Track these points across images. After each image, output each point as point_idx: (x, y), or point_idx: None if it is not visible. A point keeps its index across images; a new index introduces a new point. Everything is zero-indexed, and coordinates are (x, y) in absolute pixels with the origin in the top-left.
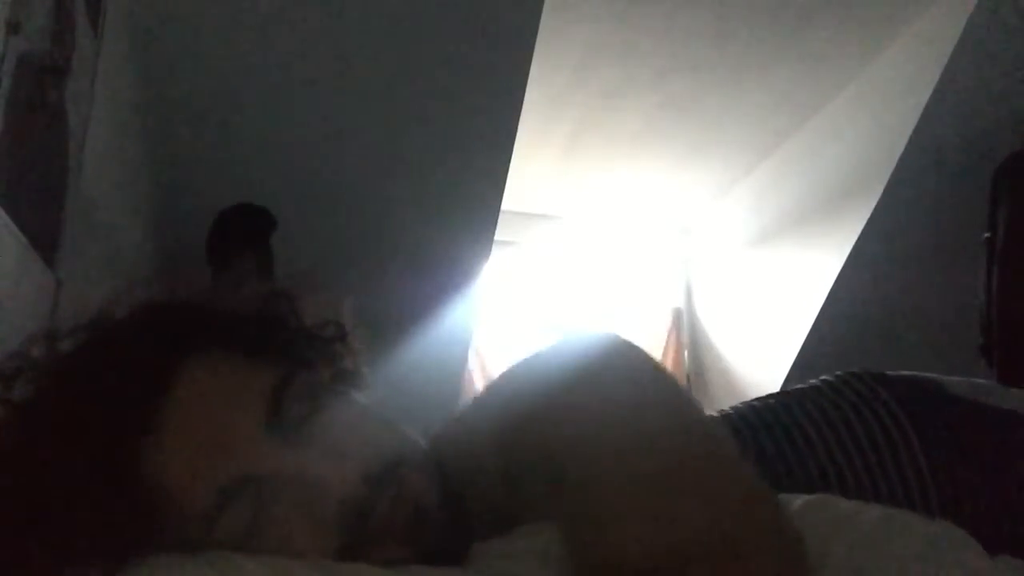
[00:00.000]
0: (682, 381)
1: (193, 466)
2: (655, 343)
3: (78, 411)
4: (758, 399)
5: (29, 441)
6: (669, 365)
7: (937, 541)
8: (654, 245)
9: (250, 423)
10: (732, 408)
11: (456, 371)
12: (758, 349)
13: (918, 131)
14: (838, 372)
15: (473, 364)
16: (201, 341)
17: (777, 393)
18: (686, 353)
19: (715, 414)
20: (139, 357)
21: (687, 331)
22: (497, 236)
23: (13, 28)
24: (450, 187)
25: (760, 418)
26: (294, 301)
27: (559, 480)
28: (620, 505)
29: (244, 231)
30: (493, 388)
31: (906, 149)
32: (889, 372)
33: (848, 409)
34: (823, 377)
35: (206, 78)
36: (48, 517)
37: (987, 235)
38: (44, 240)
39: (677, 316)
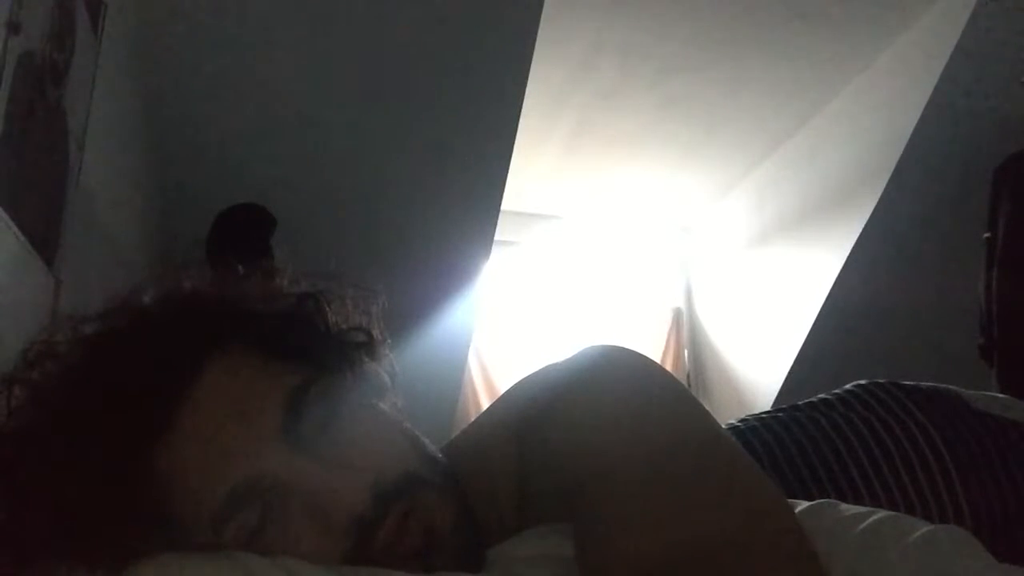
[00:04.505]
0: (682, 381)
1: (205, 468)
2: (655, 343)
3: (96, 404)
4: (782, 409)
5: (41, 434)
6: (669, 365)
7: (940, 542)
8: (654, 245)
9: (266, 427)
10: (757, 418)
11: (456, 371)
12: (758, 349)
13: (918, 131)
14: (862, 382)
15: (473, 364)
16: (226, 338)
17: (803, 404)
18: (686, 353)
19: (739, 423)
20: (163, 351)
21: (687, 331)
22: (497, 236)
23: (13, 28)
24: (450, 187)
25: (788, 432)
26: (324, 303)
27: (570, 485)
28: (630, 510)
29: (244, 231)
30: (505, 398)
31: (906, 149)
32: (916, 384)
33: (879, 425)
34: (848, 387)
35: (206, 78)
36: (56, 513)
37: (987, 235)
38: (44, 240)
39: (677, 316)
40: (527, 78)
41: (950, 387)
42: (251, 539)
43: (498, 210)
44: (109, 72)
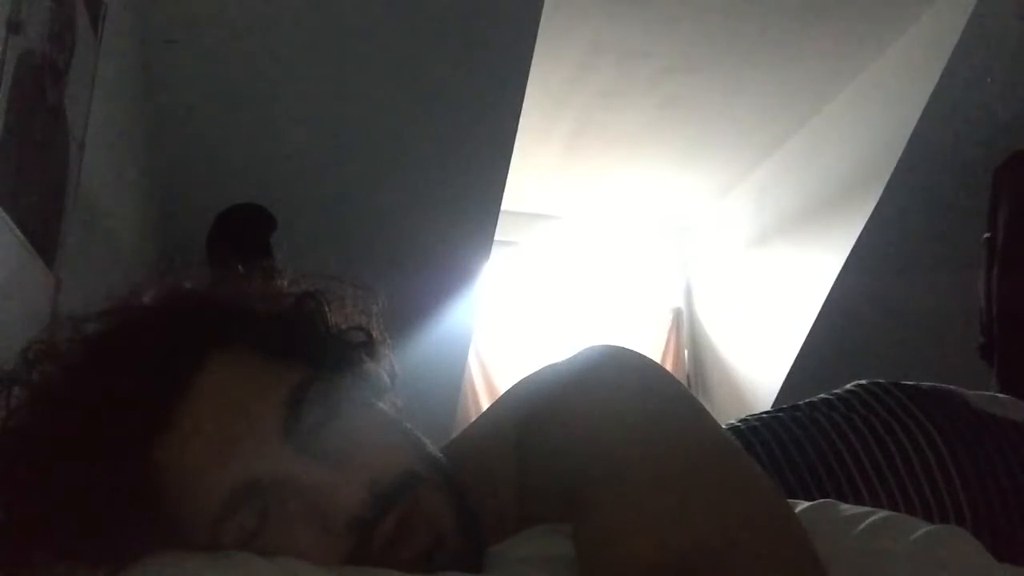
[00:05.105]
0: (682, 381)
1: (205, 467)
2: (655, 343)
3: (96, 403)
4: (782, 409)
5: (42, 433)
6: (669, 365)
7: (940, 542)
8: (654, 245)
9: (265, 426)
10: (758, 418)
11: (456, 371)
12: (758, 349)
13: (918, 131)
14: (863, 382)
15: (473, 364)
16: (226, 337)
17: (804, 404)
18: (686, 353)
19: (739, 423)
20: (163, 351)
21: (687, 331)
22: (497, 236)
23: (13, 28)
24: (450, 187)
25: (789, 432)
26: (324, 303)
27: (570, 485)
28: (630, 511)
29: (244, 231)
30: (505, 398)
31: (906, 149)
32: (917, 384)
33: (880, 425)
34: (848, 387)
35: (206, 78)
36: (56, 512)
37: (987, 235)
38: (44, 240)
39: (677, 316)
40: (527, 78)
41: (950, 387)
42: (250, 539)
43: (498, 210)
44: (109, 72)
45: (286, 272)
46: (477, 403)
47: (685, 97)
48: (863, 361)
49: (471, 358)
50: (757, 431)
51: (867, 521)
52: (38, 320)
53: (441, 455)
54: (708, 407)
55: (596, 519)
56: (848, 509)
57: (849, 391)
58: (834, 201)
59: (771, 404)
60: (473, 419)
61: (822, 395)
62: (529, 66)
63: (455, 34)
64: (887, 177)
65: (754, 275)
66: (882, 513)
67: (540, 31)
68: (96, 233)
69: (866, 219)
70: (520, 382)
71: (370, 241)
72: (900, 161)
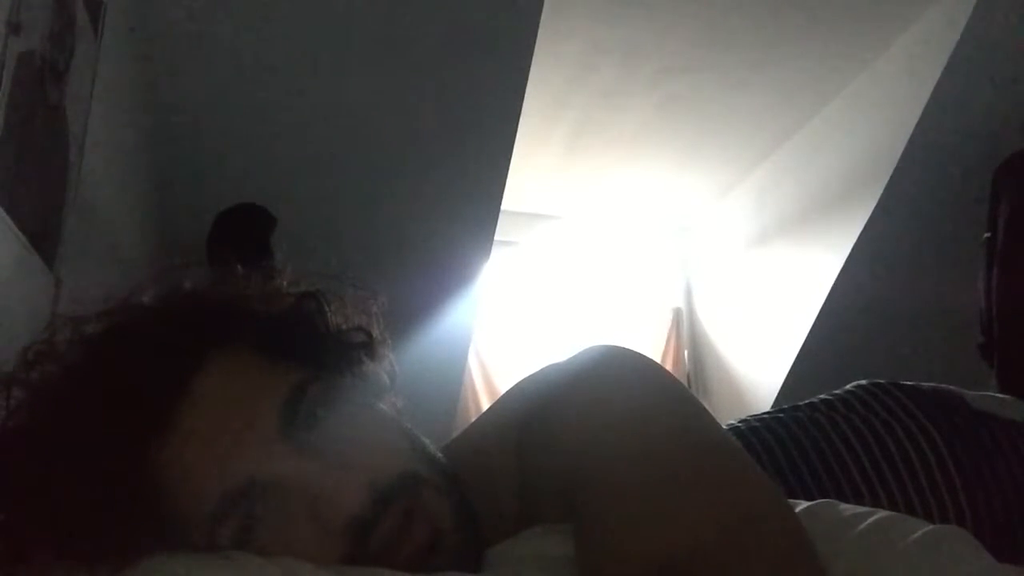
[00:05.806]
0: (682, 381)
1: (203, 467)
2: (655, 343)
3: (95, 403)
4: (782, 409)
5: (40, 433)
6: (669, 365)
7: (940, 542)
8: (654, 245)
9: (264, 427)
10: (758, 419)
11: (456, 371)
12: (758, 349)
13: (918, 131)
14: (863, 382)
15: (473, 364)
16: (226, 338)
17: (804, 404)
18: (686, 353)
19: (739, 424)
20: (162, 351)
21: (687, 331)
22: (497, 236)
23: (13, 28)
24: (450, 187)
25: (789, 432)
26: (324, 303)
27: (570, 485)
28: (629, 510)
29: (244, 231)
30: (505, 398)
31: (906, 149)
32: (917, 384)
33: (879, 425)
34: (848, 387)
35: (206, 78)
36: (55, 512)
37: (987, 235)
38: (44, 240)
39: (677, 316)
40: (527, 78)
41: (950, 387)
42: (248, 539)
43: (498, 210)
44: (109, 72)
45: (286, 272)
46: (477, 403)
47: (685, 97)
48: (863, 361)
49: (471, 358)
50: (757, 431)
51: (867, 521)
52: (38, 320)
53: (441, 455)
54: (708, 407)
55: (595, 519)
56: (848, 509)
57: (849, 391)
58: (834, 201)
59: (771, 404)
60: (473, 419)
61: (822, 395)
62: (529, 66)
63: (455, 35)
64: (887, 177)
65: (754, 275)
66: (882, 513)
67: (540, 31)
68: (96, 233)
69: (866, 219)
70: (520, 382)
71: (370, 241)
72: (900, 161)
